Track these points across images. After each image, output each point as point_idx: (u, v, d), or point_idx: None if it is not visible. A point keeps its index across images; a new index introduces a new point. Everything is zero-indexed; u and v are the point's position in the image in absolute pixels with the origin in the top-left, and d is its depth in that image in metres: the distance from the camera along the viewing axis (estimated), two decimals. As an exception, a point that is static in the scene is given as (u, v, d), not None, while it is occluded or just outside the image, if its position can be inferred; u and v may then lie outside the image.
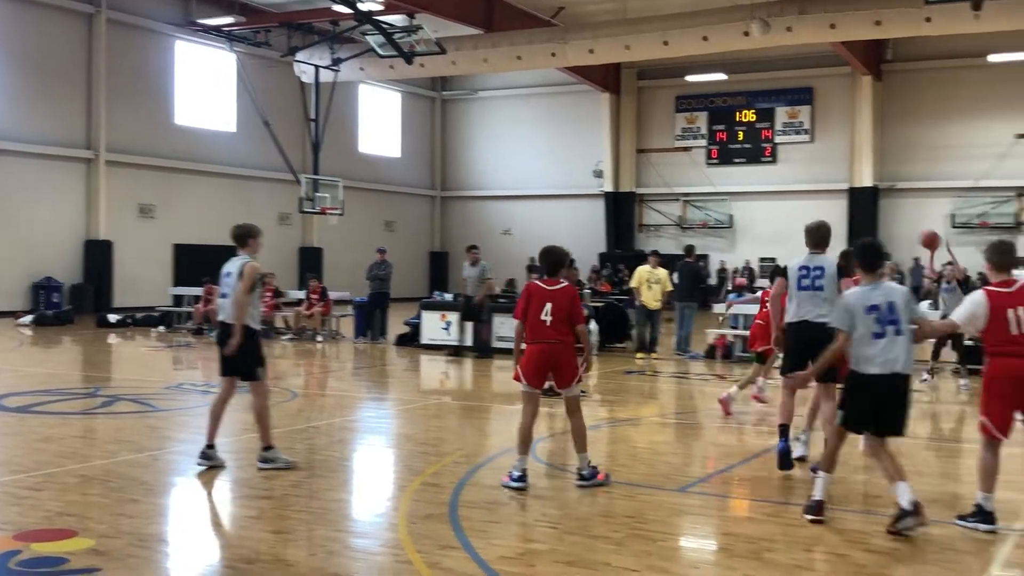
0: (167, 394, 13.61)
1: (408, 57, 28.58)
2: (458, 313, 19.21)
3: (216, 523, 7.42)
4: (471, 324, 18.98)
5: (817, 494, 7.11)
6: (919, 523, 6.65)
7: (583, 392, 10.05)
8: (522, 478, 7.94)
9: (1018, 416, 7.14)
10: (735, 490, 8.56)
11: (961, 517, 7.00)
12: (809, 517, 7.06)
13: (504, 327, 19.49)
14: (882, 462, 6.99)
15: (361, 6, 26.57)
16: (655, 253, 20.08)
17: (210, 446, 8.60)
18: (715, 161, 39.60)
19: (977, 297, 7.06)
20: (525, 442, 8.10)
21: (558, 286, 8.17)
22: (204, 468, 8.50)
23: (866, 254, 7.18)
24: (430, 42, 28.18)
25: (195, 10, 32.05)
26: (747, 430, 11.74)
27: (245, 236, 8.84)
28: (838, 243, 36.42)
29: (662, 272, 19.04)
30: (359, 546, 6.52)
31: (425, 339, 20.17)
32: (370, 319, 22.14)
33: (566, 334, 8.08)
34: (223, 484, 8.27)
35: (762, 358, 12.38)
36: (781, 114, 38.44)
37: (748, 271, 36.47)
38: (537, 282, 8.30)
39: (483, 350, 18.79)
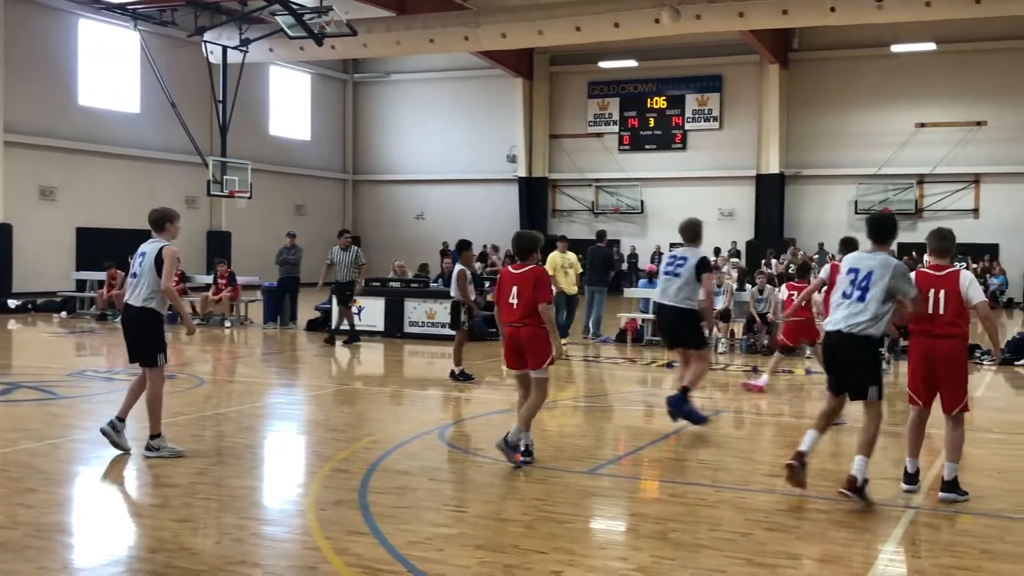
0: (69, 381, 13.28)
1: (318, 39, 28.21)
2: (335, 297, 18.81)
3: (119, 512, 7.26)
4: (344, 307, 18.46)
5: (803, 446, 7.42)
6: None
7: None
8: (527, 451, 8.30)
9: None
10: (643, 471, 8.68)
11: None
12: (789, 461, 7.38)
13: (416, 312, 19.48)
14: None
15: (270, -14, 26.13)
16: (563, 238, 20.08)
17: (120, 419, 8.50)
18: (627, 147, 39.92)
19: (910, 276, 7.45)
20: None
21: (524, 269, 8.42)
22: (107, 440, 8.43)
23: (873, 225, 7.57)
24: (341, 23, 27.83)
25: (98, -13, 31.17)
26: (656, 412, 11.90)
27: (163, 220, 8.57)
28: (746, 229, 36.87)
29: (572, 256, 19.03)
30: (267, 533, 6.46)
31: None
32: (280, 304, 21.88)
33: (532, 315, 8.28)
34: (127, 472, 8.11)
35: (788, 350, 13.36)
36: (691, 101, 38.88)
37: (659, 256, 36.84)
38: (508, 267, 8.62)
39: (354, 336, 18.47)
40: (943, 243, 7.47)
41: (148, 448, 8.37)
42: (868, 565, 5.96)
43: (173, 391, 12.49)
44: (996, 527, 6.78)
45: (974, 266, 31.46)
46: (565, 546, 6.15)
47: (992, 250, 33.77)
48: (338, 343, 18.28)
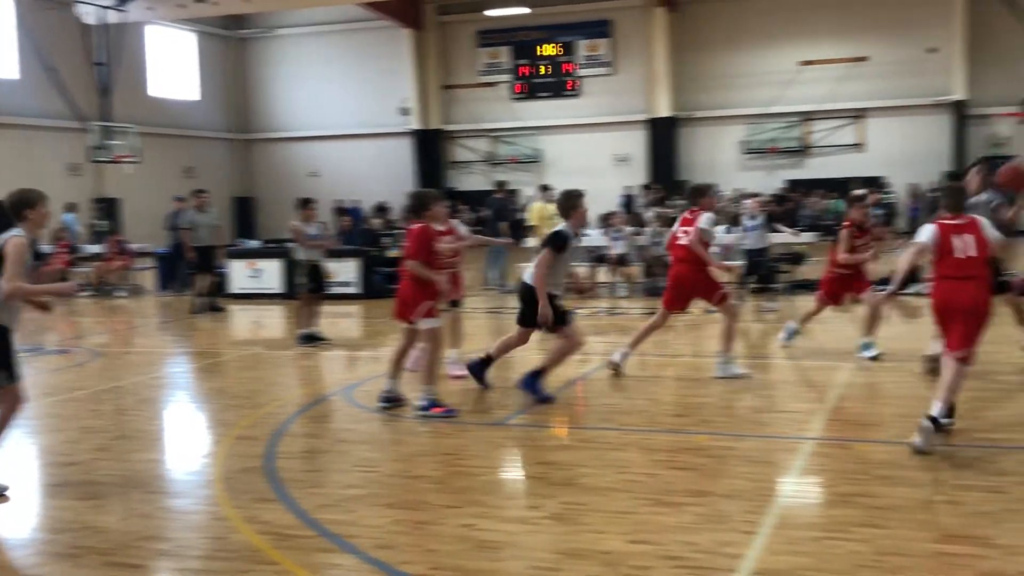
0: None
1: (199, -5, 27.44)
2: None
3: (19, 492, 7.03)
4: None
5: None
6: None
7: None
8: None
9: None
10: (551, 419, 8.73)
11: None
12: None
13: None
14: None
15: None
16: (546, 188, 19.32)
17: None
18: (520, 96, 39.81)
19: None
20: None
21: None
22: None
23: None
24: (221, -21, 27.11)
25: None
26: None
27: (21, 206, 6.54)
28: (639, 172, 36.88)
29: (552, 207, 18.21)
30: (174, 506, 6.35)
31: (233, 288, 19.68)
32: (174, 270, 21.39)
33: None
34: (25, 451, 7.87)
35: None
36: (582, 47, 38.90)
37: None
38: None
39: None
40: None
41: None
42: (771, 497, 6.13)
43: (68, 366, 12.19)
44: (891, 453, 7.01)
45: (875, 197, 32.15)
46: (477, 499, 6.18)
47: (878, 183, 34.65)
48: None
